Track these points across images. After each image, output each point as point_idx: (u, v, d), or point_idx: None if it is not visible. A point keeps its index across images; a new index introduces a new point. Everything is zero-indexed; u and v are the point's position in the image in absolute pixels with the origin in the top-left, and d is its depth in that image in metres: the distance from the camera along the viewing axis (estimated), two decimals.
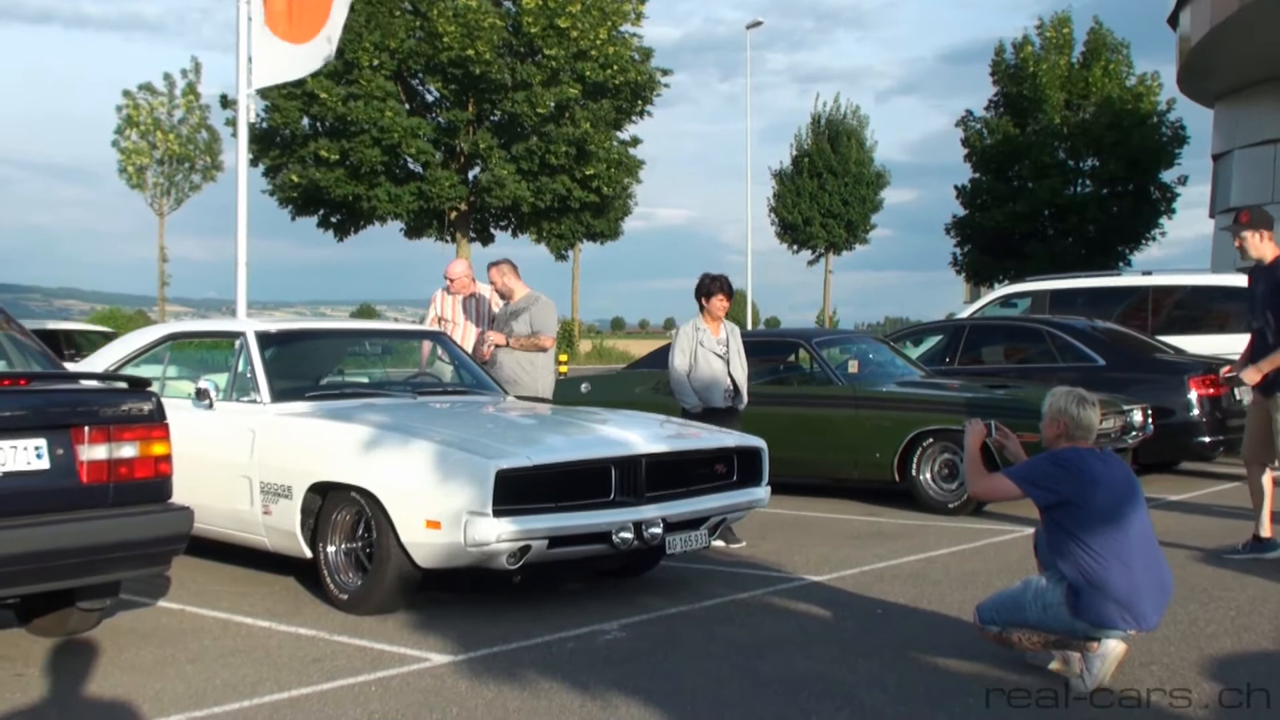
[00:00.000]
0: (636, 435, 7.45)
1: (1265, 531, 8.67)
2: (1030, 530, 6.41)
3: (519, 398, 9.87)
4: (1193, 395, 12.81)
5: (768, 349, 13.97)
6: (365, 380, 9.78)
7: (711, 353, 9.81)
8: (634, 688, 5.64)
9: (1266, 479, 8.74)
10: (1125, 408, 11.82)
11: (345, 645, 6.46)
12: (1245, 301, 8.98)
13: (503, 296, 10.98)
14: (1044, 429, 5.94)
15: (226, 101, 37.28)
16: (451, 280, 12.20)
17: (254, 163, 36.16)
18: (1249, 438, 8.94)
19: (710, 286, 9.90)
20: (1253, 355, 8.76)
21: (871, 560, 8.84)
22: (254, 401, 8.01)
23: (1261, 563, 8.48)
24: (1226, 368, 9.02)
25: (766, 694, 5.56)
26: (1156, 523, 6.22)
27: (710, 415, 9.57)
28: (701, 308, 9.97)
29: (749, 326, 49.07)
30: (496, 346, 10.63)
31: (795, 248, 57.90)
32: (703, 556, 8.49)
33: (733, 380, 9.88)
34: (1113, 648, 5.55)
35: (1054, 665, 5.83)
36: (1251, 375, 8.64)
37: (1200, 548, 9.09)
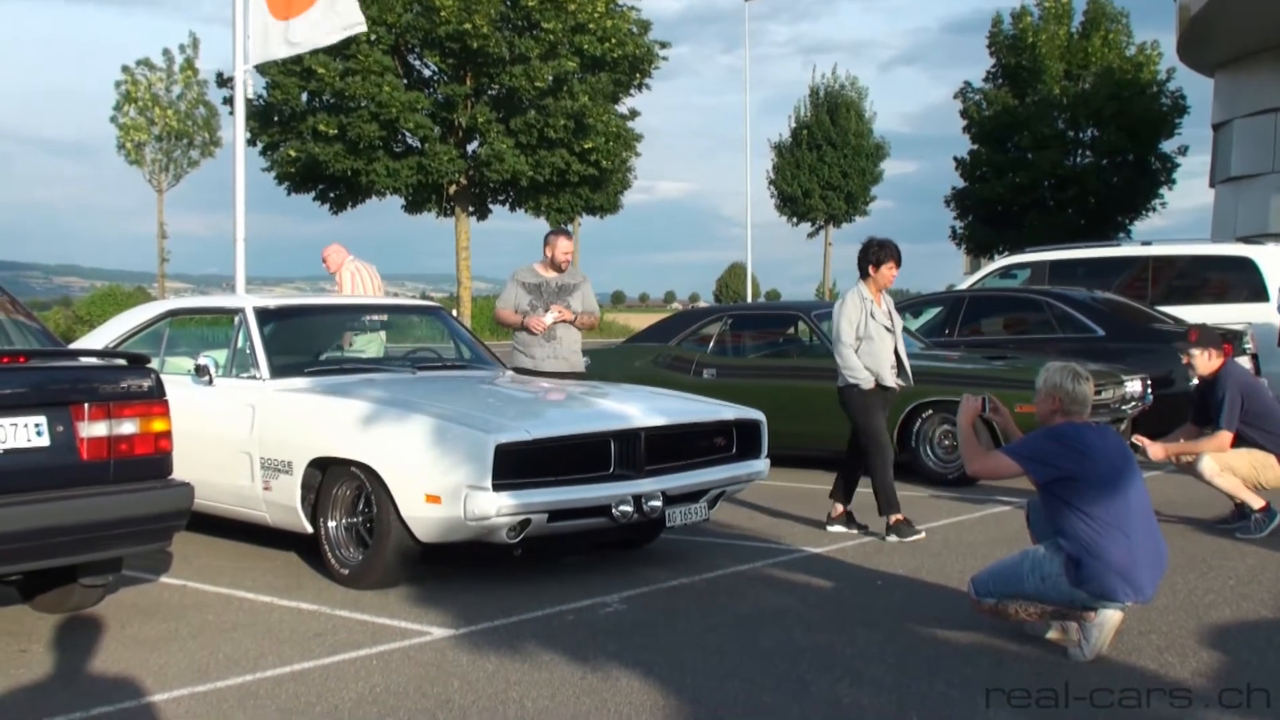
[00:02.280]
0: (635, 409, 7.46)
1: (1258, 502, 8.61)
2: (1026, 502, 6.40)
3: (565, 375, 9.77)
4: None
5: (767, 322, 14.02)
6: (365, 356, 9.79)
7: (881, 325, 8.85)
8: (634, 660, 5.66)
9: (1220, 476, 8.67)
10: (1124, 378, 11.82)
11: (346, 619, 6.48)
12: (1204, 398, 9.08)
13: (557, 270, 10.18)
14: (1038, 405, 5.94)
15: (223, 80, 37.21)
16: (326, 259, 12.51)
17: (252, 141, 36.10)
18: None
19: (879, 253, 8.85)
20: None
21: (871, 532, 8.85)
22: (253, 377, 8.01)
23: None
24: (1138, 436, 8.92)
25: (766, 665, 5.58)
26: (1154, 493, 6.24)
27: (879, 394, 8.82)
28: (865, 275, 8.91)
29: (749, 299, 49.04)
30: (557, 322, 10.04)
31: (795, 220, 57.83)
32: (702, 529, 8.50)
33: (897, 357, 8.95)
34: (1110, 616, 5.57)
35: (1052, 634, 5.85)
36: (1156, 452, 8.79)
37: (1199, 519, 9.11)
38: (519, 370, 9.74)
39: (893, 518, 8.65)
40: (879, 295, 8.94)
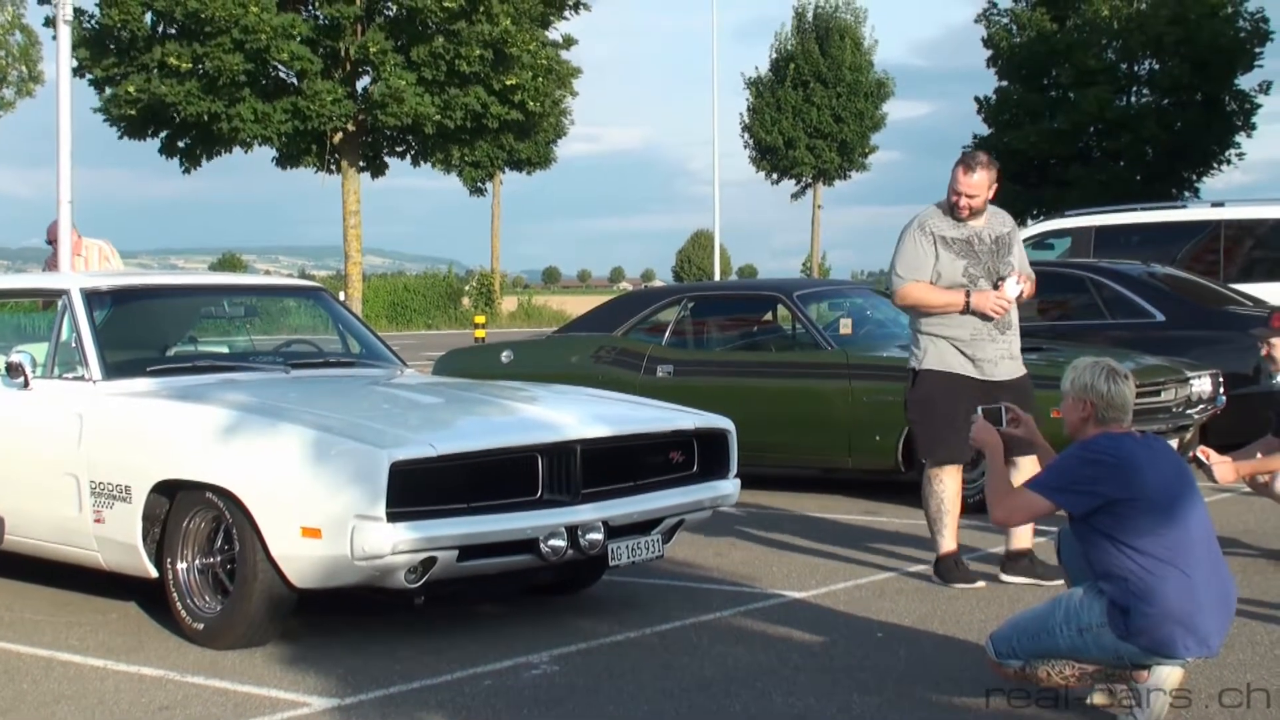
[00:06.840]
0: (569, 416, 7.47)
1: None
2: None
3: (1016, 386, 8.77)
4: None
5: (739, 306, 14.04)
6: (225, 350, 9.75)
7: None
8: None
9: None
10: (1190, 375, 11.90)
11: (201, 688, 6.46)
12: None
13: (972, 214, 8.70)
14: (1066, 412, 5.92)
15: None
16: (56, 239, 12.39)
17: (80, 72, 35.81)
18: None
19: None
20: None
21: (870, 571, 8.91)
22: (81, 379, 7.96)
23: None
24: (1203, 448, 8.16)
25: None
26: (1227, 521, 6.30)
27: None
28: None
29: (717, 275, 49.10)
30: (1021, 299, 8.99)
31: (775, 176, 58.02)
32: (655, 569, 8.51)
33: None
34: (1168, 675, 5.57)
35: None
36: (1225, 471, 8.30)
37: None
38: (942, 377, 8.63)
39: None
40: None
